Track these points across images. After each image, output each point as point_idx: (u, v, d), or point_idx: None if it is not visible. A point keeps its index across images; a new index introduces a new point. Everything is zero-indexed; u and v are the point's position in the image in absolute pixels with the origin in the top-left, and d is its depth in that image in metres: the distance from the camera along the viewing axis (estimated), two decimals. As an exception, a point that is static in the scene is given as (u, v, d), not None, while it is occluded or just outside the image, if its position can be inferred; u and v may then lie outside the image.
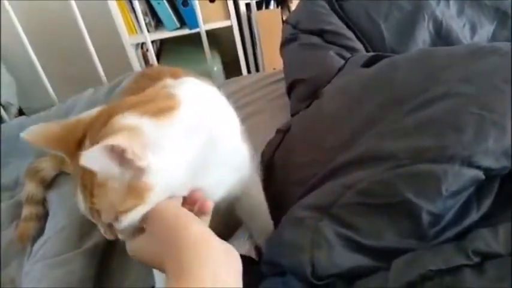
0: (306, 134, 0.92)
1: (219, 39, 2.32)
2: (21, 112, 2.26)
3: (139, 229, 0.59)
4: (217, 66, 2.22)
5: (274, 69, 1.85)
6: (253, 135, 0.76)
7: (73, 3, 1.69)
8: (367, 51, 1.12)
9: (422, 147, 0.64)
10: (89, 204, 0.57)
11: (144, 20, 1.92)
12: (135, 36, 2.13)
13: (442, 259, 0.56)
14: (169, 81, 0.68)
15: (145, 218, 0.57)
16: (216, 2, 2.08)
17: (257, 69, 2.31)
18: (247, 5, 2.10)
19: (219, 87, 0.73)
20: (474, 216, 0.61)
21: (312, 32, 1.18)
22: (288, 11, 2.12)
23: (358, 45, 1.14)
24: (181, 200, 0.60)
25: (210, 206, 0.60)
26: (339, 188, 0.68)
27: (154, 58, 1.98)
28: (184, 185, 0.60)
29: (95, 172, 0.53)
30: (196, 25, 1.88)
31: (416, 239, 0.60)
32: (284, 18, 2.03)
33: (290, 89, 1.18)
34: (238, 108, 0.76)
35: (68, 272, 0.90)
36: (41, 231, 1.02)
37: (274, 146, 0.99)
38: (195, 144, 0.60)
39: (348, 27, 1.17)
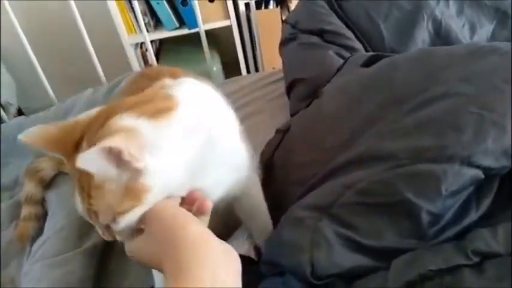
0: (305, 134, 0.92)
1: (219, 39, 2.32)
2: (20, 112, 2.26)
3: (137, 230, 0.58)
4: (216, 66, 2.22)
5: (273, 68, 1.85)
6: (252, 135, 0.76)
7: (72, 3, 1.69)
8: (367, 50, 1.12)
9: (421, 147, 0.64)
10: (86, 205, 0.57)
11: (144, 19, 1.92)
12: (134, 36, 2.13)
13: (442, 259, 0.56)
14: (167, 81, 0.67)
15: (143, 219, 0.57)
16: (215, 1, 2.07)
17: (256, 69, 2.31)
18: (247, 5, 2.10)
19: (218, 87, 0.72)
20: (474, 215, 0.61)
21: (311, 32, 1.18)
22: (288, 11, 2.12)
23: (358, 44, 1.13)
24: (179, 200, 0.60)
25: (209, 205, 0.60)
26: (338, 188, 0.68)
27: (154, 58, 1.98)
28: (183, 185, 0.60)
29: (92, 174, 0.53)
30: (196, 25, 1.88)
31: (416, 239, 0.60)
32: (283, 18, 2.03)
33: (289, 89, 1.18)
34: (238, 108, 0.76)
35: (67, 272, 0.90)
36: (40, 231, 1.03)
37: (274, 146, 0.99)
38: (194, 145, 0.60)
39: (348, 26, 1.17)
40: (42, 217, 1.06)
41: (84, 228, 0.96)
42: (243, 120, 0.76)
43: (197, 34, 1.89)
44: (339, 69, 1.01)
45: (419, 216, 0.59)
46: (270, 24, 2.05)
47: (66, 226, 0.98)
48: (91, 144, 0.53)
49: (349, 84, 0.90)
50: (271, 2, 2.15)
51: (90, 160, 0.51)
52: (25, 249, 1.01)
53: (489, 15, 1.13)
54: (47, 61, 1.88)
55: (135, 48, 2.20)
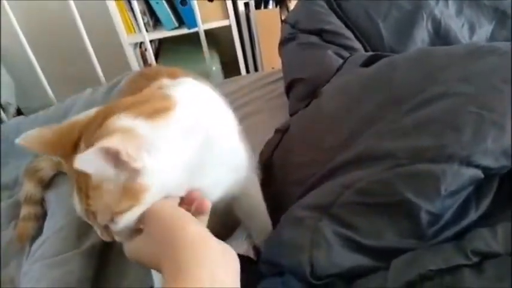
0: (304, 134, 0.92)
1: (218, 38, 2.32)
2: (19, 112, 2.26)
3: (136, 230, 0.58)
4: (215, 66, 2.22)
5: (272, 68, 1.85)
6: (251, 135, 0.76)
7: (72, 3, 1.69)
8: (366, 50, 1.12)
9: (421, 147, 0.64)
10: (84, 206, 0.57)
11: (143, 19, 1.92)
12: (134, 35, 2.13)
13: (442, 259, 0.56)
14: (165, 81, 0.67)
15: (141, 219, 0.57)
16: (214, 1, 2.07)
17: (256, 69, 2.31)
18: (246, 5, 2.10)
19: (217, 86, 0.72)
20: (473, 215, 0.61)
21: (310, 32, 1.18)
22: (287, 11, 2.12)
23: (357, 44, 1.13)
24: (178, 200, 0.60)
25: (207, 205, 0.60)
26: (338, 188, 0.68)
27: (153, 57, 1.98)
28: (181, 185, 0.60)
29: (89, 174, 0.53)
30: (195, 24, 1.88)
31: (416, 239, 0.60)
32: (283, 18, 2.03)
33: (289, 89, 1.18)
34: (237, 107, 0.76)
35: (67, 272, 0.90)
36: (39, 231, 1.03)
37: (273, 145, 0.98)
38: (192, 145, 0.60)
39: (347, 26, 1.17)
40: (42, 217, 1.06)
41: (83, 229, 0.96)
42: (242, 120, 0.75)
43: (196, 34, 1.89)
44: (338, 69, 1.01)
45: (418, 216, 0.59)
46: (269, 24, 2.06)
47: (65, 226, 0.98)
48: (89, 144, 0.53)
49: (349, 84, 0.90)
50: (271, 1, 2.15)
51: (87, 161, 0.51)
52: (24, 249, 1.01)
53: (488, 15, 1.13)
54: (46, 61, 1.88)
55: (134, 48, 2.20)
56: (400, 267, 0.58)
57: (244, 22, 2.16)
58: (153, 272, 0.76)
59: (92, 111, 0.61)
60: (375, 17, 1.13)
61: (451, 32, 1.11)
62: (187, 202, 0.60)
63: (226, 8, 2.07)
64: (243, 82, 1.47)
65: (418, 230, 0.60)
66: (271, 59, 2.10)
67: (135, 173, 0.54)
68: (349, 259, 0.62)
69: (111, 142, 0.51)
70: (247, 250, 0.79)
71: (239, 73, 2.21)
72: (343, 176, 0.70)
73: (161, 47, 2.40)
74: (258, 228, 0.80)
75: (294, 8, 1.35)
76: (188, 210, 0.58)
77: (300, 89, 1.12)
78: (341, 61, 1.05)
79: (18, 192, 1.13)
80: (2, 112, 1.80)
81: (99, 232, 0.62)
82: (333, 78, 0.99)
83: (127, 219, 0.56)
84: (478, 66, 0.71)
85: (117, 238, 0.61)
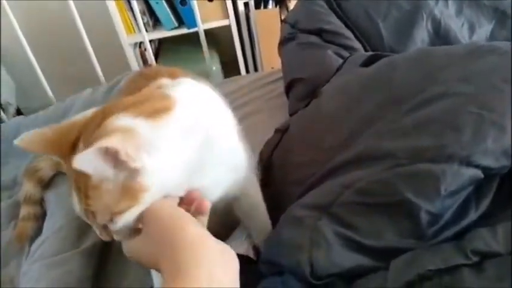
0: (304, 134, 0.92)
1: (218, 38, 2.32)
2: (19, 112, 2.26)
3: (135, 230, 0.58)
4: (215, 66, 2.22)
5: (272, 68, 1.85)
6: (251, 134, 0.76)
7: (71, 4, 1.69)
8: (366, 50, 1.12)
9: (421, 147, 0.64)
10: (83, 206, 0.57)
11: (142, 19, 1.92)
12: (133, 35, 2.12)
13: (441, 259, 0.56)
14: (165, 81, 0.67)
15: (140, 219, 0.57)
16: (214, 1, 2.07)
17: (255, 69, 2.31)
18: (246, 4, 2.10)
19: (217, 86, 0.72)
20: (473, 215, 0.61)
21: (310, 32, 1.18)
22: (287, 10, 2.12)
23: (357, 44, 1.13)
24: (177, 200, 0.60)
25: (207, 206, 0.60)
26: (337, 188, 0.68)
27: (153, 57, 1.98)
28: (181, 185, 0.60)
29: (89, 174, 0.53)
30: (195, 24, 1.88)
31: (415, 239, 0.60)
32: (282, 18, 2.02)
33: (288, 89, 1.18)
34: (237, 107, 0.76)
35: (66, 272, 0.89)
36: (39, 231, 1.02)
37: (273, 145, 0.98)
38: (191, 145, 0.60)
39: (347, 26, 1.17)
40: (41, 217, 1.06)
41: (82, 228, 0.96)
42: (241, 119, 0.75)
43: (196, 34, 1.89)
44: (338, 69, 1.01)
45: (418, 216, 0.59)
46: (269, 24, 2.05)
47: (64, 226, 0.98)
48: (88, 144, 0.53)
49: (348, 84, 0.90)
50: (270, 1, 2.15)
51: (86, 161, 0.51)
52: (24, 249, 1.01)
53: (488, 15, 1.13)
54: (46, 61, 1.88)
55: (134, 48, 2.20)
56: (400, 267, 0.58)
57: (244, 22, 2.16)
58: (153, 272, 0.76)
59: (89, 112, 0.61)
60: (375, 17, 1.13)
61: (450, 32, 1.11)
62: (186, 202, 0.60)
63: (226, 7, 2.07)
64: (243, 82, 1.47)
65: (418, 230, 0.60)
66: (271, 59, 2.10)
67: (134, 172, 0.54)
68: (348, 259, 0.61)
69: (110, 142, 0.51)
70: (247, 250, 0.79)
71: (239, 73, 2.21)
72: (343, 175, 0.70)
73: (161, 47, 2.40)
74: (257, 228, 0.80)
75: (293, 8, 1.35)
76: (188, 210, 0.58)
77: (300, 88, 1.12)
78: (341, 61, 1.05)
79: (17, 192, 1.13)
80: (2, 112, 1.80)
81: (98, 232, 0.62)
82: (333, 78, 0.99)
83: (126, 219, 0.56)
84: (478, 66, 0.71)
85: (116, 237, 0.61)
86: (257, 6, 2.12)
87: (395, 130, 0.69)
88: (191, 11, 1.85)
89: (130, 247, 0.59)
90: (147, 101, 0.59)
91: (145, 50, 2.07)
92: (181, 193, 0.61)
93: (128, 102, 0.60)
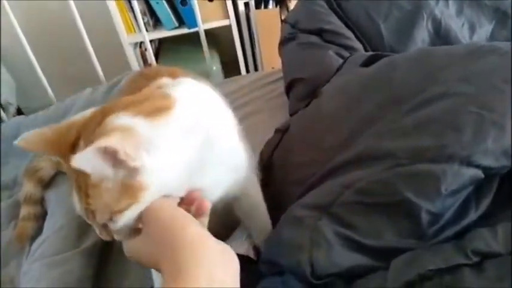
0: (304, 134, 0.92)
1: (218, 38, 2.32)
2: (19, 112, 2.26)
3: (135, 229, 0.58)
4: (216, 66, 2.22)
5: (272, 68, 1.85)
6: (251, 134, 0.76)
7: (72, 3, 1.69)
8: (366, 50, 1.12)
9: (421, 147, 0.64)
10: (84, 205, 0.57)
11: (143, 19, 1.92)
12: (134, 35, 2.13)
13: (441, 259, 0.56)
14: (165, 80, 0.67)
15: (140, 218, 0.57)
16: (214, 1, 2.07)
17: (256, 69, 2.31)
18: (246, 4, 2.10)
19: (217, 86, 0.72)
20: (473, 215, 0.61)
21: (310, 32, 1.18)
22: (287, 10, 2.12)
23: (357, 44, 1.13)
24: (177, 200, 0.60)
25: (207, 206, 0.60)
26: (337, 188, 0.68)
27: (153, 57, 1.98)
28: (181, 185, 0.60)
29: (88, 173, 0.53)
30: (195, 24, 1.88)
31: (416, 239, 0.60)
32: (283, 18, 2.03)
33: (289, 89, 1.18)
34: (237, 107, 0.76)
35: (66, 272, 0.90)
36: (39, 231, 1.03)
37: (273, 145, 0.98)
38: (191, 145, 0.60)
39: (347, 26, 1.17)
40: (42, 217, 1.06)
41: (83, 228, 0.96)
42: (242, 119, 0.75)
43: (196, 33, 1.89)
44: (338, 69, 1.01)
45: (418, 215, 0.59)
46: (269, 24, 2.05)
47: (65, 225, 0.98)
48: (88, 143, 0.53)
49: (349, 84, 0.90)
50: (271, 1, 2.15)
51: (85, 160, 0.51)
52: (24, 248, 1.01)
53: (488, 15, 1.13)
54: (46, 61, 1.88)
55: (135, 48, 2.20)
56: (400, 267, 0.58)
57: (244, 22, 2.16)
58: (153, 272, 0.76)
59: (89, 112, 0.61)
60: (375, 17, 1.13)
61: (451, 32, 1.11)
62: (187, 202, 0.60)
63: (226, 7, 2.07)
64: (243, 82, 1.47)
65: (418, 229, 0.60)
66: (271, 59, 2.10)
67: (134, 171, 0.54)
68: (348, 259, 0.61)
69: (109, 141, 0.51)
70: (247, 250, 0.79)
71: (239, 73, 2.21)
72: (343, 175, 0.70)
73: (161, 47, 2.40)
74: (258, 228, 0.80)
75: (294, 8, 1.35)
76: (188, 210, 0.58)
77: (300, 88, 1.12)
78: (341, 61, 1.05)
79: (18, 192, 1.13)
80: (2, 112, 1.80)
81: (98, 231, 0.62)
82: (333, 78, 0.99)
83: (126, 218, 0.56)
84: (479, 66, 0.71)
85: (116, 237, 0.61)
86: (257, 6, 2.12)
87: (396, 130, 0.69)
88: (191, 11, 1.85)
89: (130, 247, 0.59)
90: (147, 100, 0.59)
91: (145, 49, 2.08)
92: (182, 193, 0.60)
93: (128, 101, 0.60)
